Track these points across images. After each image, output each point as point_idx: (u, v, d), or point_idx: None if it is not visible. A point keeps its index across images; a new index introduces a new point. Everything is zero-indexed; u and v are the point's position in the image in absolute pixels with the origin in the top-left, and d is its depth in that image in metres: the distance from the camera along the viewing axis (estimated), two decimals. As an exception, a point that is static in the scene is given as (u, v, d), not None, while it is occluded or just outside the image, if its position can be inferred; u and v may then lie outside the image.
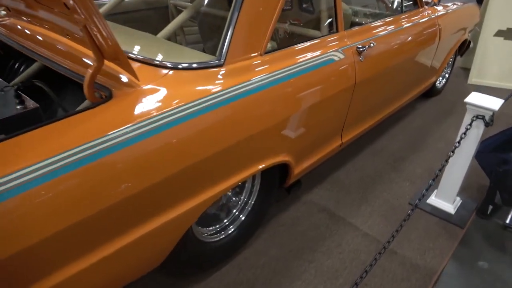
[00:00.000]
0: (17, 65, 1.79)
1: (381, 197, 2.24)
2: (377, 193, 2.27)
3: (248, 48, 1.41)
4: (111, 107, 1.12)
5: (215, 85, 1.29)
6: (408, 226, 2.02)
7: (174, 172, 1.17)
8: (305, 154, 1.85)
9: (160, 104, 1.16)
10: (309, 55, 1.64)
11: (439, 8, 2.89)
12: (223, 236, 1.66)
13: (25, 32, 1.58)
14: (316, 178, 2.36)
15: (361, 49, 1.88)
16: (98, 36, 1.00)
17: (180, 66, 1.28)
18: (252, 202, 1.74)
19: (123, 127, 1.06)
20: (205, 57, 1.38)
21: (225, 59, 1.34)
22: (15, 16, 1.67)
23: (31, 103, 1.24)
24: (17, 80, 1.63)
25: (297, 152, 1.75)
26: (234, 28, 1.36)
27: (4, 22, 1.73)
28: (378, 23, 2.19)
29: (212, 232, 1.64)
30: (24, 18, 1.56)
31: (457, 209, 2.14)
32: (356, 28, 2.00)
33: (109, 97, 1.15)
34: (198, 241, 1.52)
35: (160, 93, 1.20)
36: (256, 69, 1.43)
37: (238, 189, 1.75)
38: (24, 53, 1.48)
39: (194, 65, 1.30)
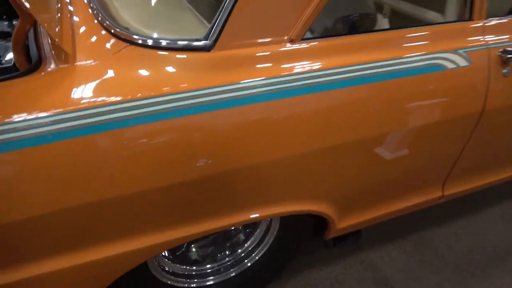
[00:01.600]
0: None
1: (492, 293, 1.41)
2: (488, 283, 1.44)
3: (264, 27, 0.84)
4: (19, 85, 0.79)
5: (186, 79, 0.80)
6: None
7: (98, 199, 0.78)
8: (364, 204, 1.20)
9: (80, 96, 0.76)
10: (395, 54, 0.96)
11: None
12: (194, 284, 1.17)
13: None
14: (393, 230, 1.64)
15: (510, 55, 1.07)
16: None
17: (140, 41, 0.83)
18: (258, 257, 1.21)
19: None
20: (192, 33, 0.89)
21: (216, 40, 0.82)
22: None
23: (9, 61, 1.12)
24: None
25: (345, 200, 1.13)
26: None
27: None
28: None
29: (179, 272, 1.17)
30: None
31: None
32: (514, 17, 1.16)
33: (29, 70, 0.83)
34: (153, 279, 1.08)
35: (92, 78, 0.80)
36: (274, 63, 0.86)
37: (244, 236, 1.23)
38: None
39: (163, 43, 0.83)
